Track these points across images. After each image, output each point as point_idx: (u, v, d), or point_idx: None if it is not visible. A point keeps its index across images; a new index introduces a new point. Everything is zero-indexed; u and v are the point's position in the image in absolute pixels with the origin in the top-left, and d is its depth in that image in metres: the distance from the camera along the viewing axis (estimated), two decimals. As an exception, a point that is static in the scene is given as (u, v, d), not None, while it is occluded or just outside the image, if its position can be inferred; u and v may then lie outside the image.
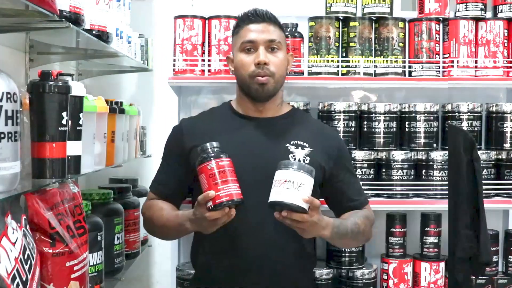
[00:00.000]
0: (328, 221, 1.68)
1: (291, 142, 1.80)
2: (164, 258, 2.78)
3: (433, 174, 2.54)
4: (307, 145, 1.81)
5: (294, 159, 1.77)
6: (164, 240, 1.96)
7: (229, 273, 1.77)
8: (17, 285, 1.22)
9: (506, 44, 2.57)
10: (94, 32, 1.76)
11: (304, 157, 1.79)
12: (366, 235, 1.89)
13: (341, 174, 1.88)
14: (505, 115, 2.56)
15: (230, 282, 1.77)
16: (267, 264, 1.75)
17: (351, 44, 2.53)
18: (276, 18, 1.86)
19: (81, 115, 1.61)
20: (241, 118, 1.86)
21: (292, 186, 1.54)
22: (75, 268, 1.52)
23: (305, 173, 1.56)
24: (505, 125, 2.56)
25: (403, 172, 2.52)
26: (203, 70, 2.48)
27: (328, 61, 2.50)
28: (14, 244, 1.25)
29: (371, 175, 2.53)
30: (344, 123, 2.52)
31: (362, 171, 2.51)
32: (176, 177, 1.86)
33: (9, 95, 1.22)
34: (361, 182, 2.45)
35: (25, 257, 1.29)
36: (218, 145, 1.63)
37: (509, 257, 2.63)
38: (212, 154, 1.59)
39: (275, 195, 1.56)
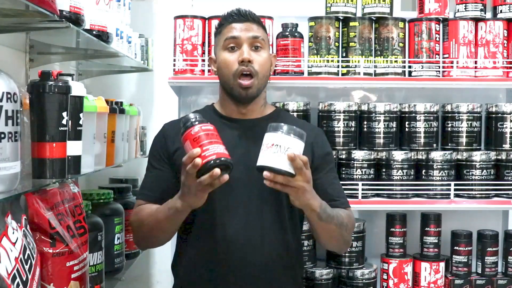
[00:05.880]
0: (316, 194, 1.64)
1: None
2: (164, 258, 2.77)
3: (433, 174, 2.54)
4: None
5: None
6: (158, 242, 1.82)
7: (211, 278, 1.74)
8: (17, 285, 1.22)
9: (505, 45, 2.57)
10: (94, 32, 1.76)
11: None
12: (348, 232, 1.80)
13: (324, 173, 1.82)
14: (505, 115, 2.57)
15: (212, 286, 1.74)
16: (251, 268, 1.72)
17: (351, 44, 2.53)
18: (259, 19, 1.84)
19: (81, 115, 1.61)
20: (224, 120, 1.83)
21: (279, 150, 1.48)
22: (75, 268, 1.52)
23: (295, 137, 1.49)
24: (504, 126, 2.56)
25: (403, 172, 2.53)
26: (203, 70, 2.48)
27: (328, 61, 2.50)
28: (14, 244, 1.25)
29: (371, 175, 2.54)
30: (344, 123, 2.52)
31: (362, 171, 2.51)
32: (163, 181, 1.80)
33: (9, 95, 1.22)
34: (361, 182, 2.47)
35: (25, 257, 1.29)
36: (201, 115, 1.55)
37: (509, 257, 2.63)
38: (197, 120, 1.52)
39: (262, 159, 1.50)
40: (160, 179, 1.80)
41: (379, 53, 2.55)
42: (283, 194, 1.75)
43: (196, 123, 1.50)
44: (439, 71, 2.55)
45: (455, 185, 2.51)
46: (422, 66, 2.54)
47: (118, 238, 2.25)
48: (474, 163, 2.55)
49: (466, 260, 2.61)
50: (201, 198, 1.54)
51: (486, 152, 2.57)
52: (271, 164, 1.48)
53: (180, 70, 2.48)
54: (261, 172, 1.51)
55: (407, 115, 2.58)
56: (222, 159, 1.45)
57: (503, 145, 2.57)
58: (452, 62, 2.54)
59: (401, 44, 2.55)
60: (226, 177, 1.47)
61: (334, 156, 2.50)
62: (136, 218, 1.78)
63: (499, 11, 2.61)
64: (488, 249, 2.62)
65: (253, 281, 1.73)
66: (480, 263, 2.63)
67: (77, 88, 1.57)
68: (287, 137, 1.49)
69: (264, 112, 1.87)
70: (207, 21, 2.51)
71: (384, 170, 2.55)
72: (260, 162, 1.50)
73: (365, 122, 2.57)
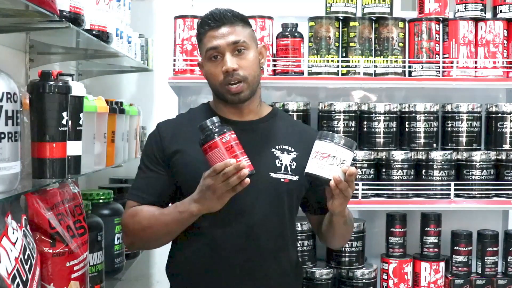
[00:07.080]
0: None
1: (277, 147, 1.75)
2: (164, 258, 2.77)
3: (433, 174, 2.54)
4: (292, 149, 1.76)
5: (281, 164, 1.73)
6: (159, 244, 1.79)
7: (208, 281, 1.71)
8: (17, 285, 1.22)
9: (505, 45, 2.57)
10: (94, 32, 1.76)
11: (290, 162, 1.74)
12: (351, 232, 1.89)
13: None
14: (505, 115, 2.56)
15: None
16: (251, 273, 1.70)
17: (351, 44, 2.53)
18: (237, 15, 1.73)
19: (81, 115, 1.61)
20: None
21: (335, 162, 1.54)
22: (75, 268, 1.52)
23: (349, 149, 1.56)
24: (504, 126, 2.56)
25: (403, 172, 2.53)
26: (203, 70, 2.48)
27: (328, 61, 2.50)
28: (14, 244, 1.25)
29: (371, 175, 2.54)
30: (344, 123, 2.52)
31: (362, 171, 2.51)
32: (159, 184, 1.74)
33: (9, 95, 1.22)
34: (361, 182, 2.47)
35: (25, 257, 1.29)
36: (219, 120, 1.58)
37: (509, 257, 2.63)
38: (225, 128, 1.55)
39: (318, 169, 1.56)
40: (156, 182, 1.75)
41: (379, 53, 2.55)
42: (283, 196, 1.74)
43: (225, 130, 1.54)
44: (439, 71, 2.55)
45: (455, 185, 2.51)
46: (422, 66, 2.54)
47: (118, 238, 2.25)
48: (474, 163, 2.55)
49: (466, 260, 2.61)
50: (223, 203, 1.57)
51: (486, 152, 2.57)
52: (327, 175, 1.55)
53: (180, 70, 2.48)
54: (309, 177, 1.59)
55: (407, 115, 2.58)
56: (253, 171, 1.53)
57: (503, 145, 2.57)
58: (452, 62, 2.54)
59: (401, 44, 2.55)
60: (248, 181, 1.52)
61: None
62: (133, 220, 1.72)
63: (499, 11, 2.61)
64: (488, 249, 2.62)
65: (252, 284, 1.72)
66: (480, 263, 2.63)
67: (77, 88, 1.57)
68: (344, 149, 1.56)
69: (261, 113, 1.84)
70: (207, 21, 2.51)
71: (384, 170, 2.55)
72: (317, 171, 1.56)
73: (365, 122, 2.57)
